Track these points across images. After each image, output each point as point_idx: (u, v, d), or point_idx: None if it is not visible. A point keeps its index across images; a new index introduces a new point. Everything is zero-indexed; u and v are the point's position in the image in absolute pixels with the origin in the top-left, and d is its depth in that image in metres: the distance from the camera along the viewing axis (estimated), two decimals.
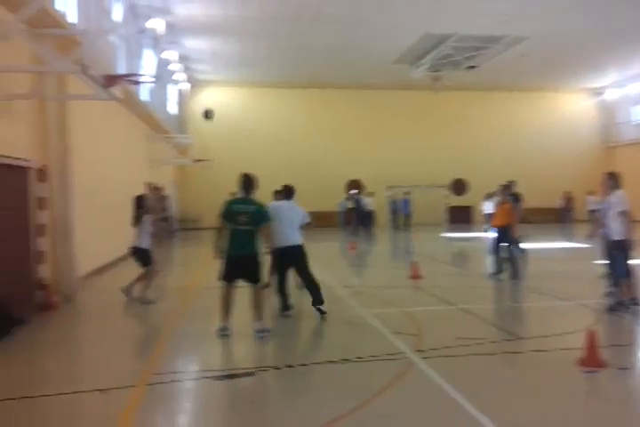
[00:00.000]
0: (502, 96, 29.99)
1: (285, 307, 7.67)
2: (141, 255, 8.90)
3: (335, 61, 23.89)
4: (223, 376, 5.16)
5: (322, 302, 7.51)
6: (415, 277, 10.66)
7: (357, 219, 23.45)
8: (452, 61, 22.95)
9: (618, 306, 7.54)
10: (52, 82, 8.79)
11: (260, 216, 6.61)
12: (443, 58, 22.51)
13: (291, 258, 7.62)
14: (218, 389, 4.97)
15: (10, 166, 7.49)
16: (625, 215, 7.43)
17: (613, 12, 17.53)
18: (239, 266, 6.59)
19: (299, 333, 6.75)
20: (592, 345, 5.26)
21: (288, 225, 7.50)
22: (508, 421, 4.08)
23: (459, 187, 29.60)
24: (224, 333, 6.49)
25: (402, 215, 26.16)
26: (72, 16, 10.47)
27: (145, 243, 8.91)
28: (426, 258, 14.01)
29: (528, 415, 4.21)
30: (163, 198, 21.91)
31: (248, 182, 6.81)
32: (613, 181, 7.69)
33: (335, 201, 25.81)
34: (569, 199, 26.31)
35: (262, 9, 17.33)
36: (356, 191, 25.61)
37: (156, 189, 17.09)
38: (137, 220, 8.80)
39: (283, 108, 28.68)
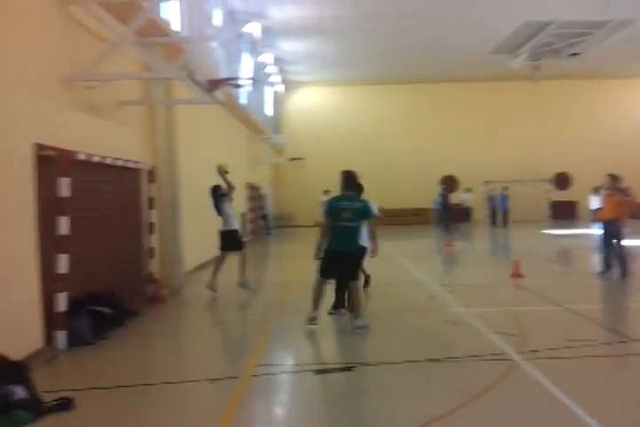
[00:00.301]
0: (607, 84, 28.09)
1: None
2: (230, 238, 9.26)
3: (430, 56, 23.47)
4: (322, 370, 5.27)
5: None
6: (516, 275, 10.28)
7: (444, 216, 23.06)
8: (553, 49, 21.83)
9: None
10: (159, 88, 9.34)
11: (364, 212, 6.70)
12: (543, 46, 21.48)
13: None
14: (317, 382, 5.09)
15: (125, 168, 8.05)
16: None
17: None
18: (339, 262, 6.69)
19: (397, 330, 6.73)
20: None
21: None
22: (618, 425, 3.86)
23: (562, 181, 28.09)
24: (313, 322, 6.63)
25: (500, 211, 25.26)
26: (176, 24, 11.06)
27: (231, 225, 9.29)
28: (527, 256, 13.46)
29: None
30: (260, 197, 22.69)
31: (350, 179, 6.88)
32: None
33: (430, 198, 25.40)
34: None
35: (358, 7, 17.37)
36: (444, 187, 24.93)
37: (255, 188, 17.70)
38: (217, 207, 9.20)
39: (376, 105, 28.63)
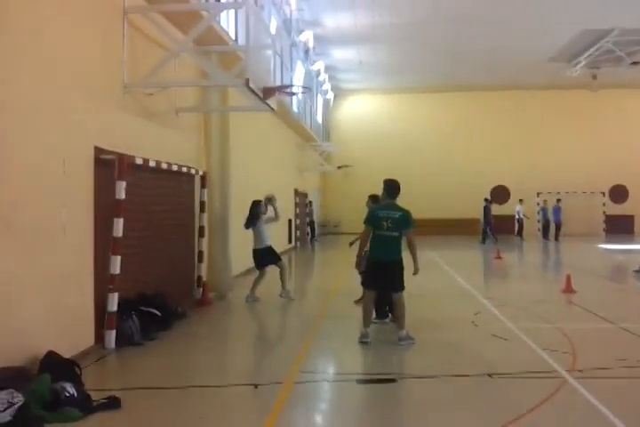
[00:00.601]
0: None
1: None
2: (264, 254, 9.37)
3: (485, 63, 23.19)
4: (364, 380, 5.25)
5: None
6: (568, 291, 9.97)
7: (487, 227, 22.66)
8: (613, 58, 21.24)
9: None
10: (215, 95, 9.56)
11: (405, 222, 6.61)
12: (602, 54, 20.93)
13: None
14: (359, 392, 5.06)
15: (179, 173, 8.26)
16: None
17: None
18: (382, 272, 6.64)
19: (442, 343, 6.62)
20: None
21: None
22: None
23: (618, 194, 27.13)
24: (365, 339, 6.54)
25: (552, 224, 24.55)
26: (232, 32, 11.30)
27: (264, 243, 9.37)
28: (580, 271, 13.04)
29: None
30: (307, 204, 22.83)
31: (392, 188, 6.84)
32: None
33: (479, 208, 24.94)
34: None
35: (413, 14, 17.35)
36: (488, 199, 24.29)
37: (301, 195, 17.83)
38: (252, 222, 9.32)
39: (426, 113, 28.38)
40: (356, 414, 4.61)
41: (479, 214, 24.60)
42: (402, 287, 6.68)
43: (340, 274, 13.12)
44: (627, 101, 27.24)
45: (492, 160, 27.54)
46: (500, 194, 27.19)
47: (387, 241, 6.60)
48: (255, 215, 9.39)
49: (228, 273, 10.00)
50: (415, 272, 6.73)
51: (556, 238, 23.86)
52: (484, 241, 22.03)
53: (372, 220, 6.72)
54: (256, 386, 5.05)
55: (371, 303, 6.79)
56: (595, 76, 23.00)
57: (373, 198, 8.09)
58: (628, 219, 26.21)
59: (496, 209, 25.25)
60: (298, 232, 20.54)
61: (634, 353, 6.09)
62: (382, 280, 6.67)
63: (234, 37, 11.18)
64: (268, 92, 8.91)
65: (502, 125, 27.93)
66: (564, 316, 8.49)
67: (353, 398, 4.97)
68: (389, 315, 7.47)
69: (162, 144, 7.88)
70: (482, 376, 5.30)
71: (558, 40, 20.09)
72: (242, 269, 11.72)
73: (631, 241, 22.96)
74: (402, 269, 6.65)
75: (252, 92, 7.93)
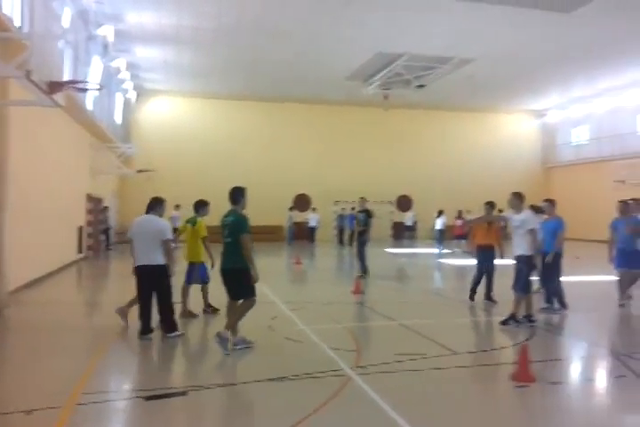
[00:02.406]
0: (449, 115, 30.81)
1: (147, 330, 7.19)
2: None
3: (289, 76, 24.01)
4: (154, 396, 4.99)
5: (172, 330, 7.14)
6: (357, 292, 10.73)
7: (291, 234, 25.50)
8: (403, 80, 23.48)
9: (509, 320, 7.89)
10: None
11: (236, 227, 6.42)
12: (394, 76, 23.01)
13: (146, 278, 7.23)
14: (148, 409, 4.80)
15: None
16: (534, 233, 7.79)
17: (556, 35, 18.37)
18: (224, 279, 6.54)
19: (237, 350, 6.60)
20: (523, 360, 5.41)
21: (142, 241, 7.15)
22: None
23: (404, 203, 30.09)
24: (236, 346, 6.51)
25: (348, 230, 26.32)
26: (18, 20, 10.15)
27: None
28: (369, 274, 14.11)
29: None
30: (103, 210, 21.34)
31: (233, 194, 6.69)
32: (520, 200, 8.05)
33: (283, 216, 25.83)
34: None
35: (217, 20, 17.29)
36: (292, 207, 26.50)
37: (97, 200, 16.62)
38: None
39: (233, 121, 28.46)
40: None
41: (282, 221, 25.48)
42: (238, 295, 6.52)
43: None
44: (414, 122, 30.31)
45: (295, 169, 28.59)
46: (302, 202, 28.37)
47: (225, 248, 6.49)
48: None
49: (2, 287, 8.88)
50: (254, 279, 6.40)
51: (351, 244, 25.57)
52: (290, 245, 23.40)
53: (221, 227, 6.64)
54: (28, 412, 4.52)
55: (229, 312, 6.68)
56: (386, 96, 25.20)
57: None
58: (412, 226, 29.11)
59: (301, 216, 26.44)
60: (90, 240, 19.03)
61: (410, 347, 6.73)
62: (227, 287, 6.55)
63: (22, 25, 10.06)
64: (55, 86, 8.19)
65: (305, 137, 29.16)
66: (351, 316, 9.08)
67: (137, 416, 4.70)
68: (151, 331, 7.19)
69: None
70: (273, 380, 5.40)
71: (355, 60, 21.64)
72: (22, 282, 10.52)
73: (414, 245, 25.63)
74: (237, 276, 6.41)
75: (35, 85, 7.22)
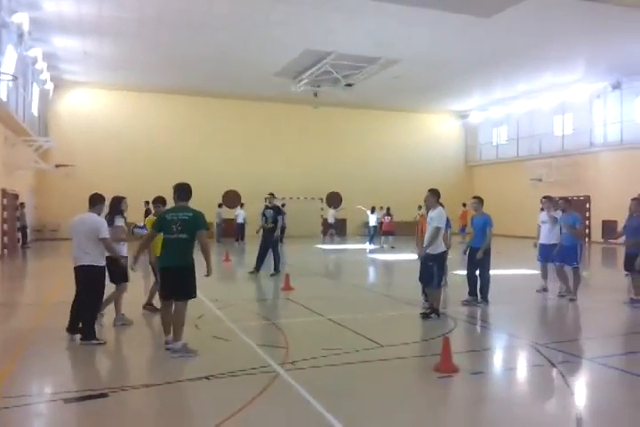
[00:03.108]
0: (376, 114, 31.36)
1: (72, 329, 6.95)
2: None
3: (217, 71, 23.63)
4: (74, 398, 4.77)
5: (88, 338, 6.70)
6: (287, 288, 10.71)
7: (220, 231, 25.45)
8: (331, 78, 23.65)
9: (431, 314, 8.19)
10: None
11: (195, 224, 6.24)
12: (322, 74, 23.11)
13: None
14: (67, 412, 4.58)
15: None
16: (439, 231, 8.05)
17: (478, 40, 19.07)
18: (173, 278, 6.25)
19: (161, 350, 6.41)
20: (446, 351, 5.56)
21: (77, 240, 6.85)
22: None
23: (334, 199, 30.35)
24: (168, 346, 6.22)
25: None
26: None
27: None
28: (300, 270, 14.13)
29: (387, 424, 4.33)
30: (19, 206, 20.23)
31: (180, 190, 6.49)
32: (436, 198, 8.30)
33: (212, 212, 25.33)
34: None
35: (139, 11, 16.73)
36: (220, 203, 26.51)
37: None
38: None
39: (158, 115, 27.74)
40: None
41: (211, 218, 25.01)
42: (190, 294, 6.30)
43: (56, 284, 11.89)
44: (343, 120, 30.66)
45: (222, 165, 28.22)
46: (232, 198, 28.02)
47: (176, 244, 6.20)
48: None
49: None
50: (208, 274, 6.38)
51: (280, 240, 25.51)
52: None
53: (159, 223, 6.33)
54: None
55: (165, 311, 6.33)
56: (316, 94, 25.31)
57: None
58: (342, 222, 29.45)
59: (228, 213, 26.07)
60: (5, 238, 17.99)
61: (337, 342, 6.78)
62: (173, 286, 6.24)
63: None
64: None
65: (234, 132, 28.85)
66: (281, 312, 9.06)
67: (58, 419, 4.48)
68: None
69: None
70: (199, 380, 5.29)
71: (285, 56, 21.54)
72: None
73: (344, 241, 25.91)
74: (191, 274, 6.28)
75: None
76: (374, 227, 22.97)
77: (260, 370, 5.55)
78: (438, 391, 5.22)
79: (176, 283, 6.25)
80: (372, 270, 16.34)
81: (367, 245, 22.49)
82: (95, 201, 7.00)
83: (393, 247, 21.86)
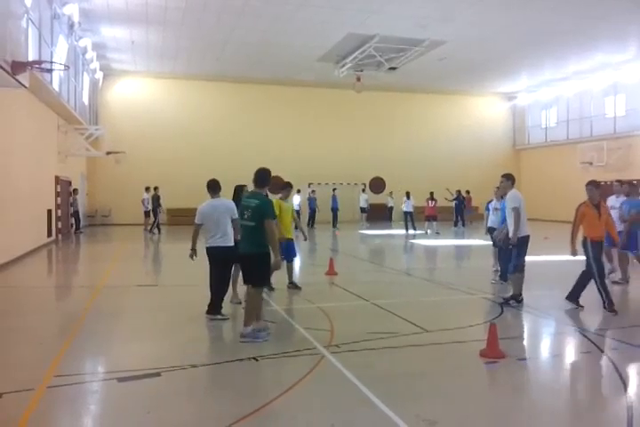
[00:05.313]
0: (421, 98, 30.90)
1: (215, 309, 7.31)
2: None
3: (259, 56, 23.72)
4: (128, 377, 4.98)
5: (214, 312, 7.21)
6: (331, 273, 10.81)
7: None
8: (375, 62, 23.36)
9: (507, 301, 8.06)
10: None
11: (260, 211, 6.10)
12: (366, 58, 22.86)
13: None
14: (121, 390, 4.79)
15: None
16: (517, 212, 7.87)
17: (525, 19, 18.48)
18: (243, 264, 6.43)
19: (214, 332, 6.61)
20: (492, 337, 5.54)
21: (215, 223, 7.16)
22: (411, 414, 4.16)
23: (377, 185, 30.17)
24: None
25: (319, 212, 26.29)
26: None
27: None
28: (343, 254, 14.20)
29: (431, 408, 4.35)
30: (72, 192, 20.97)
31: (258, 177, 6.46)
32: (510, 182, 8.17)
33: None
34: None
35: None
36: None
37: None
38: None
39: (203, 102, 28.12)
40: (115, 415, 4.34)
41: None
42: (257, 282, 6.29)
43: (108, 269, 12.34)
44: (387, 104, 30.30)
45: (266, 152, 28.33)
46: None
47: (245, 231, 6.28)
48: None
49: None
50: (273, 264, 6.16)
51: (334, 225, 25.57)
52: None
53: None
54: None
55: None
56: (358, 78, 25.08)
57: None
58: (385, 207, 29.29)
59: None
60: (59, 224, 18.70)
61: (382, 326, 6.83)
62: (244, 273, 6.41)
63: None
64: (19, 66, 7.98)
65: (276, 118, 28.93)
66: (325, 296, 9.16)
67: (112, 397, 4.69)
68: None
69: None
70: (248, 360, 5.44)
71: (328, 41, 21.41)
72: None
73: (386, 227, 25.84)
74: (260, 262, 6.15)
75: None
76: (410, 213, 22.68)
77: (305, 352, 5.66)
78: (484, 377, 5.22)
79: (246, 270, 6.33)
80: (413, 256, 16.27)
81: (411, 231, 22.34)
82: (218, 187, 7.39)
83: (438, 233, 21.66)
